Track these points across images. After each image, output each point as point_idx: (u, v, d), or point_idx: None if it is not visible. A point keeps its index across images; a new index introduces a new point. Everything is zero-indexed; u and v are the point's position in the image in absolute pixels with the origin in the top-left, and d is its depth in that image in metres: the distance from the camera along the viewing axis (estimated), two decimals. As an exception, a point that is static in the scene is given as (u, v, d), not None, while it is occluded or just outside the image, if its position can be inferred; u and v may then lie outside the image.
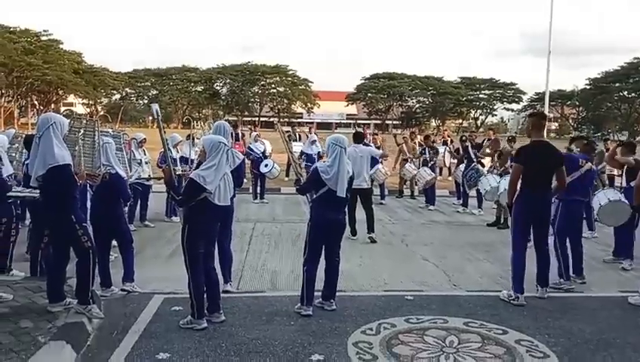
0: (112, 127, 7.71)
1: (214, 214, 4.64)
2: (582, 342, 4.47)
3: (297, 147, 15.12)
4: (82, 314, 4.53)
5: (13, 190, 5.37)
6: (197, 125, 11.26)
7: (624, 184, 7.15)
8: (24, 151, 6.25)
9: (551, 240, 5.96)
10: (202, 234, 4.60)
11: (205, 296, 4.68)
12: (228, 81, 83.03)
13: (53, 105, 73.85)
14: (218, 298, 4.81)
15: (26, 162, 5.79)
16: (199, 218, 4.54)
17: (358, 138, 8.79)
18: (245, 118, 71.92)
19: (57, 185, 4.49)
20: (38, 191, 4.76)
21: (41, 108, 69.44)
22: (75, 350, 4.06)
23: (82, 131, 5.08)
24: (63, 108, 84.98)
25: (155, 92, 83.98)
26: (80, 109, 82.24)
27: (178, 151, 9.95)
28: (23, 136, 6.65)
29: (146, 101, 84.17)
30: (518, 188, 5.57)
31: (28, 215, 6.97)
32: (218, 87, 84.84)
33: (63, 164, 4.46)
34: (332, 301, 5.13)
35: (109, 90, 77.60)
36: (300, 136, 18.23)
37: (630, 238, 6.89)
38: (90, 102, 77.25)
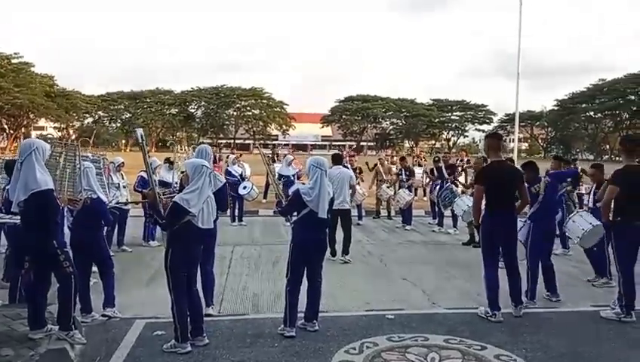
0: (91, 152, 7.67)
1: (198, 237, 4.68)
2: (557, 355, 4.62)
3: (275, 169, 15.19)
4: (64, 341, 4.50)
5: (-6, 217, 5.33)
6: (180, 149, 11.27)
7: (590, 204, 7.41)
8: (2, 176, 6.21)
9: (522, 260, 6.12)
10: (186, 258, 4.63)
11: (188, 319, 4.70)
12: (203, 103, 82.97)
13: (23, 129, 72.71)
14: (201, 321, 4.83)
15: (6, 187, 5.74)
16: (183, 241, 4.59)
17: (338, 160, 8.95)
18: (220, 140, 71.82)
19: (39, 210, 4.47)
20: (18, 217, 4.75)
21: (11, 132, 68.23)
22: (58, 377, 4.03)
23: (63, 156, 5.09)
24: (34, 133, 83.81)
25: (128, 115, 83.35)
26: (52, 133, 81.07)
27: (157, 175, 9.92)
28: (2, 159, 6.59)
29: (119, 124, 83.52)
30: (484, 208, 5.76)
31: (4, 241, 6.87)
32: (193, 110, 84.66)
33: (46, 188, 4.46)
34: (315, 321, 5.18)
35: (81, 113, 76.81)
36: (276, 157, 18.34)
37: (604, 257, 7.09)
38: (62, 125, 76.20)
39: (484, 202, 5.82)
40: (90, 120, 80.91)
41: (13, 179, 4.58)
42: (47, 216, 4.53)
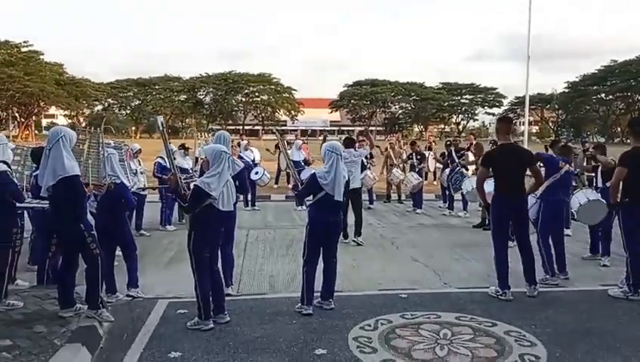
0: (112, 139, 7.89)
1: (219, 219, 4.88)
2: (566, 331, 4.78)
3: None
4: (93, 319, 4.73)
5: (24, 200, 5.54)
6: (200, 136, 11.52)
7: (600, 184, 7.54)
8: (27, 164, 6.43)
9: (534, 238, 6.29)
10: (208, 239, 4.83)
11: (210, 298, 4.91)
12: (211, 90, 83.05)
13: (34, 117, 73.33)
14: (223, 300, 5.05)
15: (33, 174, 5.97)
16: (205, 223, 4.78)
17: (350, 143, 9.13)
18: (229, 127, 71.88)
19: (67, 195, 4.69)
20: (46, 202, 4.97)
21: (22, 120, 68.87)
22: (90, 351, 4.27)
23: (87, 143, 5.29)
24: (44, 121, 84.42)
25: (137, 102, 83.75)
26: (62, 121, 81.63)
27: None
28: (25, 149, 6.81)
29: (128, 111, 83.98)
30: (492, 189, 5.90)
31: (28, 226, 7.10)
32: (201, 96, 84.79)
33: (73, 174, 4.67)
34: (330, 300, 5.39)
35: (91, 101, 77.17)
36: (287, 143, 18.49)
37: (607, 236, 7.26)
38: (72, 113, 76.70)
39: (491, 184, 5.98)
40: (99, 107, 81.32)
41: (41, 166, 4.79)
42: (74, 200, 4.74)
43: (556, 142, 8.93)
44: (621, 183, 5.84)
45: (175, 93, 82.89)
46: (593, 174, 8.37)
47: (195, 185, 4.84)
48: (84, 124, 71.42)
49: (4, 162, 5.21)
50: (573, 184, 8.33)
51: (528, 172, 6.01)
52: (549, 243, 6.50)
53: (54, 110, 77.41)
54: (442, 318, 5.07)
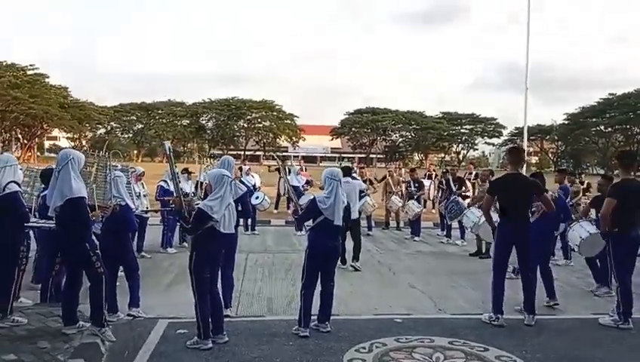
0: (119, 162, 8.10)
1: (220, 241, 5.05)
2: (555, 357, 4.91)
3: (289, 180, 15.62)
4: (96, 336, 4.86)
5: (30, 221, 5.72)
6: (206, 162, 11.77)
7: (594, 216, 7.70)
8: (36, 185, 6.63)
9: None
10: (208, 260, 4.99)
11: (210, 318, 5.04)
12: (214, 115, 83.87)
13: (37, 139, 73.94)
14: (221, 320, 5.18)
15: (41, 194, 6.16)
16: (206, 244, 4.95)
17: (347, 171, 9.32)
18: (231, 152, 72.41)
19: (73, 215, 4.86)
20: (52, 221, 5.15)
21: (25, 141, 69.43)
22: (92, 368, 4.39)
23: (95, 166, 5.50)
24: (47, 143, 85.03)
25: (140, 126, 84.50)
26: (64, 143, 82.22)
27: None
28: (34, 170, 7.01)
29: (130, 135, 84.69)
30: (498, 217, 6.10)
31: (34, 246, 7.25)
32: (204, 121, 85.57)
33: (79, 196, 4.86)
34: (327, 323, 5.51)
35: (94, 124, 77.86)
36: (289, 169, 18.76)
37: (604, 266, 7.37)
38: (75, 136, 77.35)
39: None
40: (102, 130, 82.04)
41: (50, 186, 4.98)
42: (80, 220, 4.92)
43: (562, 171, 9.08)
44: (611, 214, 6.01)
45: (178, 118, 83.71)
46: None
47: (198, 207, 5.02)
48: (86, 147, 72.15)
49: (16, 182, 5.40)
50: (573, 216, 8.48)
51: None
52: (536, 273, 6.64)
53: (57, 132, 78.12)
54: (436, 342, 5.19)
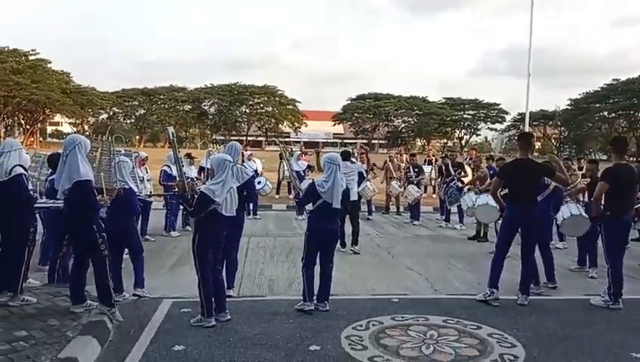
0: (123, 147, 8.28)
1: (222, 223, 5.22)
2: (545, 335, 5.09)
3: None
4: (104, 314, 5.05)
5: (38, 202, 5.89)
6: (210, 147, 11.95)
7: (586, 199, 7.86)
8: (42, 171, 6.81)
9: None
10: (211, 241, 5.17)
11: (213, 297, 5.23)
12: (216, 100, 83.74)
13: (39, 125, 74.06)
14: (224, 299, 5.38)
15: (48, 178, 6.34)
16: (208, 226, 5.12)
17: (347, 156, 9.51)
18: (233, 138, 72.47)
19: (81, 198, 5.03)
20: (60, 201, 5.32)
21: (27, 127, 69.58)
22: (100, 344, 4.59)
23: (100, 150, 5.65)
24: (49, 128, 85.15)
25: (142, 111, 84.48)
26: (67, 128, 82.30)
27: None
28: (42, 156, 7.18)
29: (133, 120, 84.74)
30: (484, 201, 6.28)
31: (40, 229, 7.44)
32: (206, 107, 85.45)
33: (86, 179, 5.03)
34: (326, 302, 5.71)
35: (96, 109, 77.90)
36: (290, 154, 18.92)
37: (594, 248, 7.58)
38: (77, 121, 77.44)
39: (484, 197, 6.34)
40: (104, 116, 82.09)
41: (58, 170, 5.14)
42: (88, 202, 5.09)
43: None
44: (603, 197, 6.17)
45: (180, 104, 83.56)
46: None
47: (200, 191, 5.19)
48: (88, 132, 72.17)
49: (22, 166, 5.56)
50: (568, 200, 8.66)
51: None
52: (534, 257, 6.81)
53: (59, 118, 78.22)
54: (430, 321, 5.38)
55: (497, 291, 6.06)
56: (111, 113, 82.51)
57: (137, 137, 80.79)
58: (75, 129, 78.54)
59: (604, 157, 65.78)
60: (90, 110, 76.29)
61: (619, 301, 6.04)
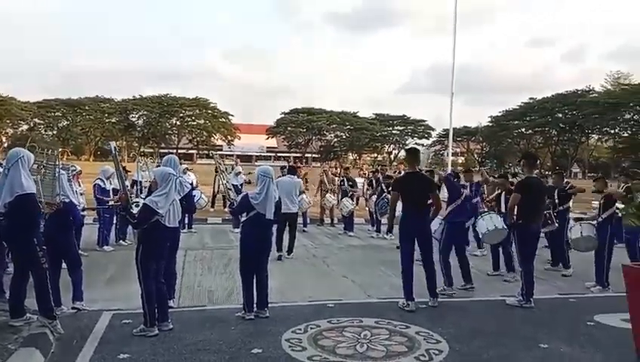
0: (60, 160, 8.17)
1: (165, 234, 5.40)
2: (466, 331, 5.62)
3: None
4: (45, 327, 5.08)
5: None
6: (142, 160, 11.88)
7: (502, 209, 8.63)
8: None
9: (436, 256, 7.15)
10: (154, 252, 5.33)
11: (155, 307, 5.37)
12: (144, 112, 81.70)
13: (-49, 136, 69.31)
14: (167, 309, 5.54)
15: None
16: (152, 238, 5.29)
17: (293, 171, 10.06)
18: (162, 150, 70.91)
19: (23, 211, 5.06)
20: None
21: (-63, 138, 64.96)
22: (43, 355, 4.63)
23: (44, 163, 5.68)
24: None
25: (66, 122, 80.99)
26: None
27: (111, 183, 10.42)
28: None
29: (55, 132, 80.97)
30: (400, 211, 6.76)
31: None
32: (134, 119, 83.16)
33: (29, 192, 5.07)
34: (265, 309, 5.98)
35: (15, 120, 73.94)
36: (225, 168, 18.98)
37: (508, 253, 8.33)
38: (-6, 132, 73.16)
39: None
40: (25, 127, 77.93)
41: (-1, 183, 5.14)
42: (28, 216, 5.12)
43: (468, 171, 10.14)
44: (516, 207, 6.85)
45: (106, 115, 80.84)
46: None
47: (143, 203, 5.35)
48: (6, 145, 68.17)
49: None
50: (483, 209, 9.47)
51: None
52: (449, 260, 7.41)
53: (-26, 128, 73.56)
54: (364, 323, 5.79)
55: (413, 302, 6.42)
56: (32, 124, 78.49)
57: (60, 150, 77.16)
58: (-10, 141, 74.03)
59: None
60: (8, 121, 72.31)
61: (530, 300, 6.71)
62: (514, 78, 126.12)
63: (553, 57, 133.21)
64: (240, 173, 15.56)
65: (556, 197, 9.20)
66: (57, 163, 5.72)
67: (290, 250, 9.59)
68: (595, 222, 8.04)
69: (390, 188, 7.43)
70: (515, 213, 6.82)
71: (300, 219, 13.19)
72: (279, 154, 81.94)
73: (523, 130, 78.92)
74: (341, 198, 13.85)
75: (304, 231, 13.20)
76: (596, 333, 5.71)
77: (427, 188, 6.81)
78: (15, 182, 5.00)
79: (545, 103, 72.62)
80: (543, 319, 6.21)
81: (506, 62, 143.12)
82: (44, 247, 5.33)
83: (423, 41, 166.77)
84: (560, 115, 72.79)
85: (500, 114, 79.56)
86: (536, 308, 6.63)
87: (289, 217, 9.53)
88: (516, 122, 78.20)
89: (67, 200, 6.05)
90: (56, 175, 5.67)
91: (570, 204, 10.05)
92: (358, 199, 16.75)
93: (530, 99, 76.01)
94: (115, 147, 5.53)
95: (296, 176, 10.10)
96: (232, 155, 49.92)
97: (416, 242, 6.70)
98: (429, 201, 6.79)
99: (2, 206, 5.05)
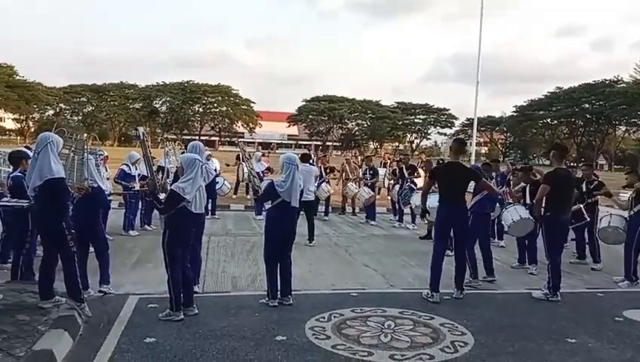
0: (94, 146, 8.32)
1: (191, 220, 5.43)
2: (492, 324, 5.56)
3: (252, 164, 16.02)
4: (73, 309, 5.16)
5: (1, 200, 5.92)
6: (169, 145, 11.96)
7: (528, 201, 8.47)
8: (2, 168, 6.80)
9: None
10: (180, 237, 5.36)
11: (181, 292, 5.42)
12: (168, 99, 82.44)
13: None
14: (192, 294, 5.58)
15: (11, 175, 6.35)
16: (178, 223, 5.32)
17: (306, 158, 9.98)
18: (185, 137, 71.50)
19: (52, 195, 5.13)
20: (23, 201, 5.39)
21: (-33, 122, 66.54)
22: (72, 337, 4.71)
23: (73, 148, 5.74)
24: None
25: (91, 108, 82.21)
26: (10, 125, 79.00)
27: (137, 169, 10.51)
28: (2, 153, 7.14)
29: (80, 117, 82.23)
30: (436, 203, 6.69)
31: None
32: (157, 105, 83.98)
33: (58, 176, 5.13)
34: (289, 296, 6.00)
35: (42, 105, 75.26)
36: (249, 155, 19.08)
37: (533, 247, 8.20)
38: (22, 117, 74.57)
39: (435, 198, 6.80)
40: (51, 112, 79.31)
41: (29, 167, 5.22)
42: (58, 200, 5.19)
43: (495, 161, 9.99)
44: (544, 199, 6.73)
45: (130, 101, 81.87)
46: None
47: (170, 189, 5.38)
48: (32, 129, 69.40)
49: None
50: (509, 200, 9.31)
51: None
52: (474, 252, 7.31)
53: (2, 113, 75.01)
54: (387, 313, 5.76)
55: (437, 294, 6.33)
56: (57, 109, 79.84)
57: (85, 135, 78.36)
58: (18, 125, 75.59)
59: (547, 162, 69.00)
60: (35, 106, 73.66)
61: (557, 294, 6.60)
62: (539, 66, 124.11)
63: (581, 46, 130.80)
64: (261, 158, 15.59)
65: (584, 189, 9.01)
66: (86, 147, 5.77)
67: (311, 238, 9.59)
68: (626, 214, 7.87)
69: (427, 176, 7.29)
70: (544, 204, 6.70)
71: (321, 208, 13.26)
72: (300, 142, 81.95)
73: (548, 120, 77.76)
74: (361, 187, 13.80)
75: (325, 219, 13.20)
76: (626, 329, 5.60)
77: (471, 178, 6.73)
78: (44, 167, 5.06)
79: (572, 93, 71.33)
80: (570, 313, 6.11)
81: (531, 51, 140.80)
82: (73, 231, 5.40)
83: (446, 28, 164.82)
84: (587, 106, 71.43)
85: (524, 103, 78.45)
86: (562, 302, 6.52)
87: (306, 205, 9.51)
88: (541, 112, 77.03)
89: (95, 185, 6.11)
90: (85, 159, 5.72)
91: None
92: (379, 188, 16.69)
93: (557, 88, 74.72)
94: (143, 132, 5.56)
95: (310, 164, 10.06)
96: (254, 143, 50.12)
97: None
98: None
99: (32, 190, 5.12)
